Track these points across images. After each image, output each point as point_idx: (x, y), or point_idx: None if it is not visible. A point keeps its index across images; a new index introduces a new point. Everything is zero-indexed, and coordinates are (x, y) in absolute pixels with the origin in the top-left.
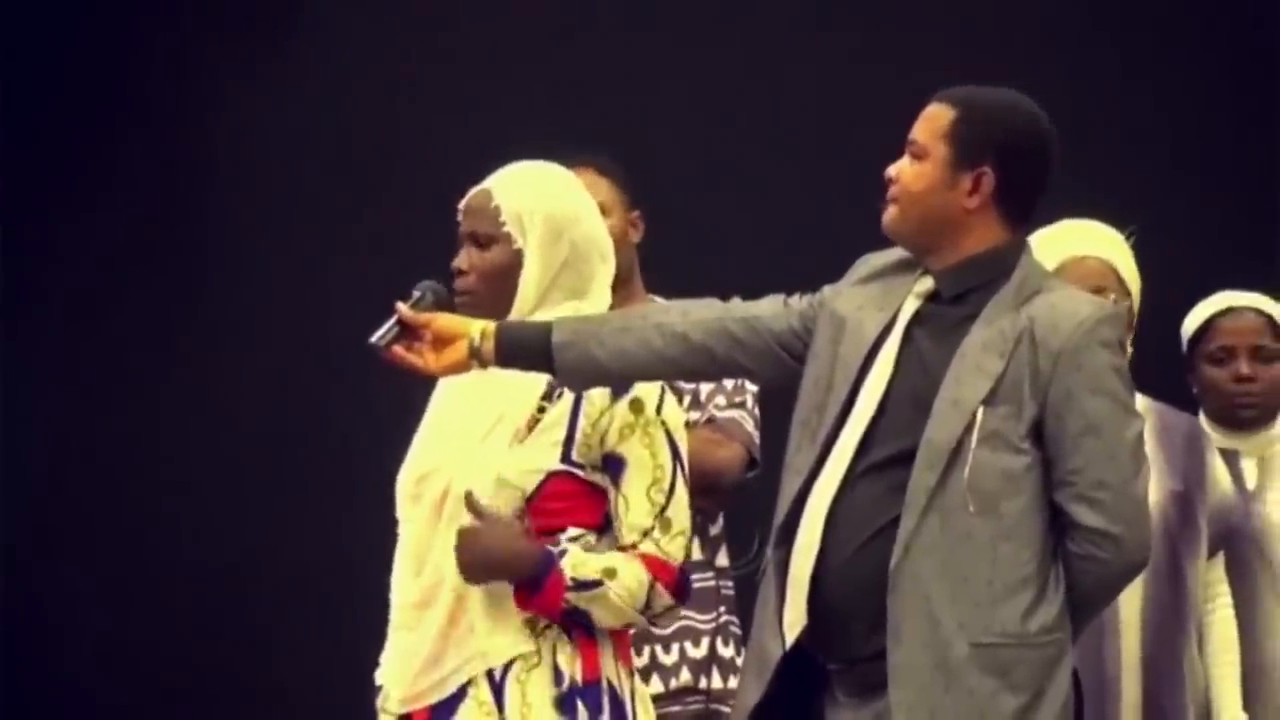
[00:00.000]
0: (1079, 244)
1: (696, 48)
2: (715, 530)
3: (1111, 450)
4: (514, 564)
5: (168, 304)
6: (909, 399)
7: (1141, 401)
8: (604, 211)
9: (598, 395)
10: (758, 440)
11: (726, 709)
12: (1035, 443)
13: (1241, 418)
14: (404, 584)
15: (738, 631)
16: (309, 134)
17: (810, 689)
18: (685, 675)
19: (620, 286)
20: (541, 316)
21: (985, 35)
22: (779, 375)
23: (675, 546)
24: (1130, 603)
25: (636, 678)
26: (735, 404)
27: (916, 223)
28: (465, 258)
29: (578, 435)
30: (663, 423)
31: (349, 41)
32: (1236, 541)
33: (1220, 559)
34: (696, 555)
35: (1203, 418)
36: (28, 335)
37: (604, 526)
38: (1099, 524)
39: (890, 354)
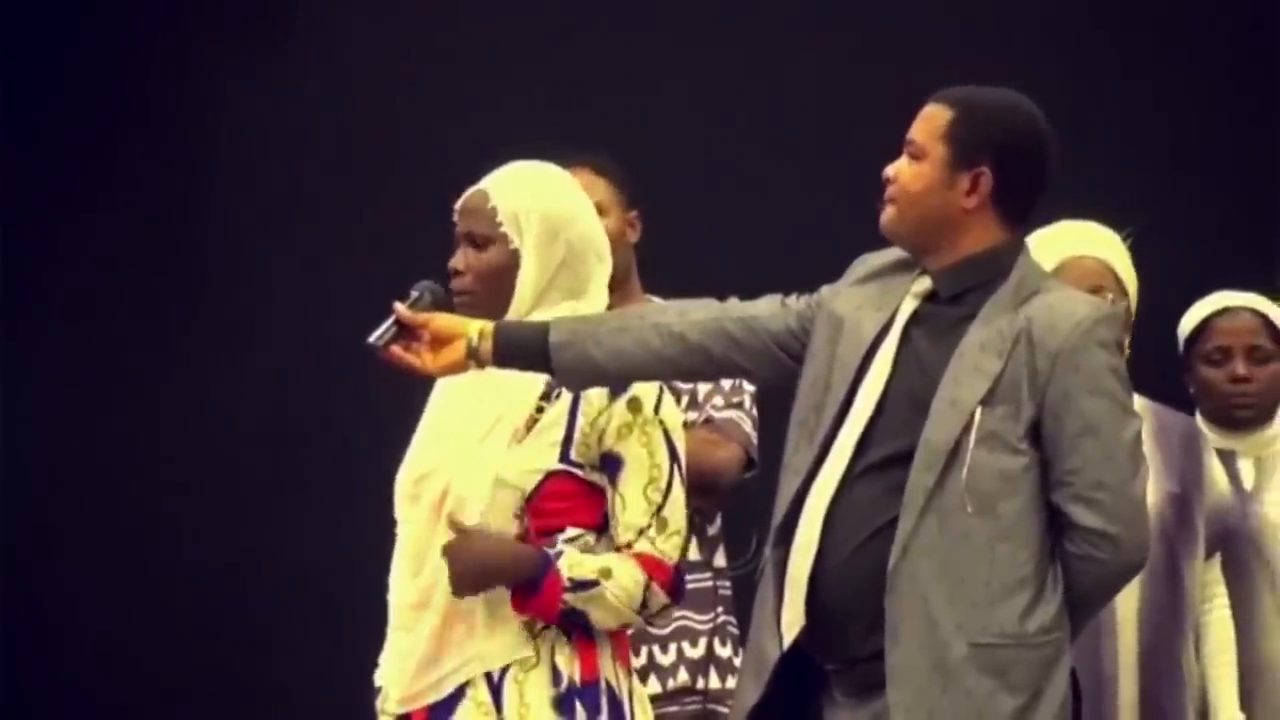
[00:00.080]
0: (1076, 244)
1: (696, 48)
2: (713, 530)
3: (1109, 451)
4: (510, 567)
5: (168, 304)
6: (907, 399)
7: (1139, 402)
8: (601, 211)
9: (596, 395)
10: (755, 440)
11: (724, 709)
12: (1033, 443)
13: (1238, 418)
14: (402, 584)
15: (735, 632)
16: (309, 134)
17: (808, 689)
18: (683, 675)
19: (618, 287)
20: (539, 316)
21: (985, 35)
22: (777, 375)
23: (671, 546)
24: (1127, 603)
25: (635, 678)
26: (733, 404)
27: (914, 223)
28: (462, 258)
29: (576, 435)
30: (660, 422)
31: (349, 41)
32: (1234, 542)
33: (1217, 559)
34: (694, 555)
35: (1199, 418)
36: (28, 335)
37: (603, 527)
38: (1097, 524)
39: (888, 354)
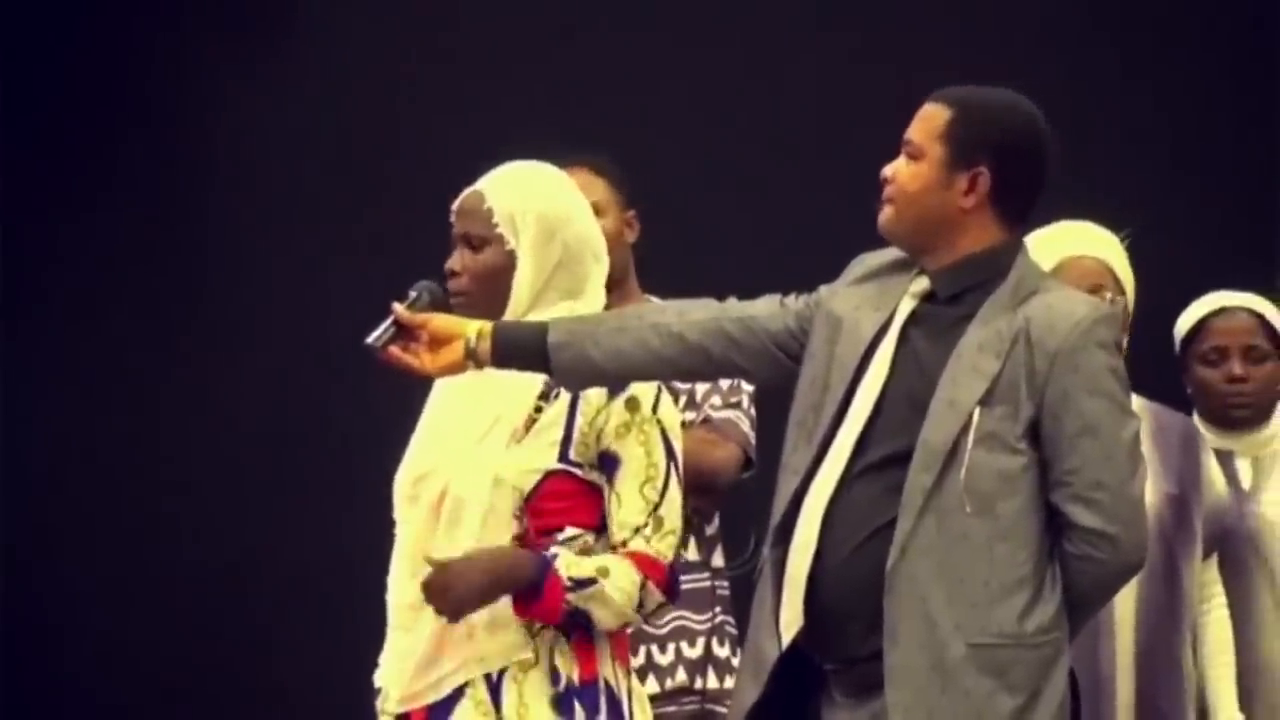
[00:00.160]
0: (1075, 244)
1: (696, 48)
2: (711, 530)
3: (1108, 451)
4: (510, 575)
5: (168, 304)
6: (905, 399)
7: (1137, 402)
8: (599, 211)
9: (594, 394)
10: (753, 440)
11: (722, 709)
12: (1032, 443)
13: (1234, 418)
14: (401, 585)
15: (733, 632)
16: (309, 134)
17: (807, 689)
18: (681, 675)
19: (616, 287)
20: (536, 317)
21: (985, 35)
22: (775, 375)
23: (666, 545)
24: (1126, 603)
25: (634, 677)
26: (731, 404)
27: (912, 223)
28: (458, 259)
29: (575, 434)
30: (658, 421)
31: (349, 41)
32: (1232, 542)
33: (1215, 560)
34: (692, 555)
35: (1196, 418)
36: (28, 335)
37: (601, 527)
38: (1096, 524)
39: (886, 354)
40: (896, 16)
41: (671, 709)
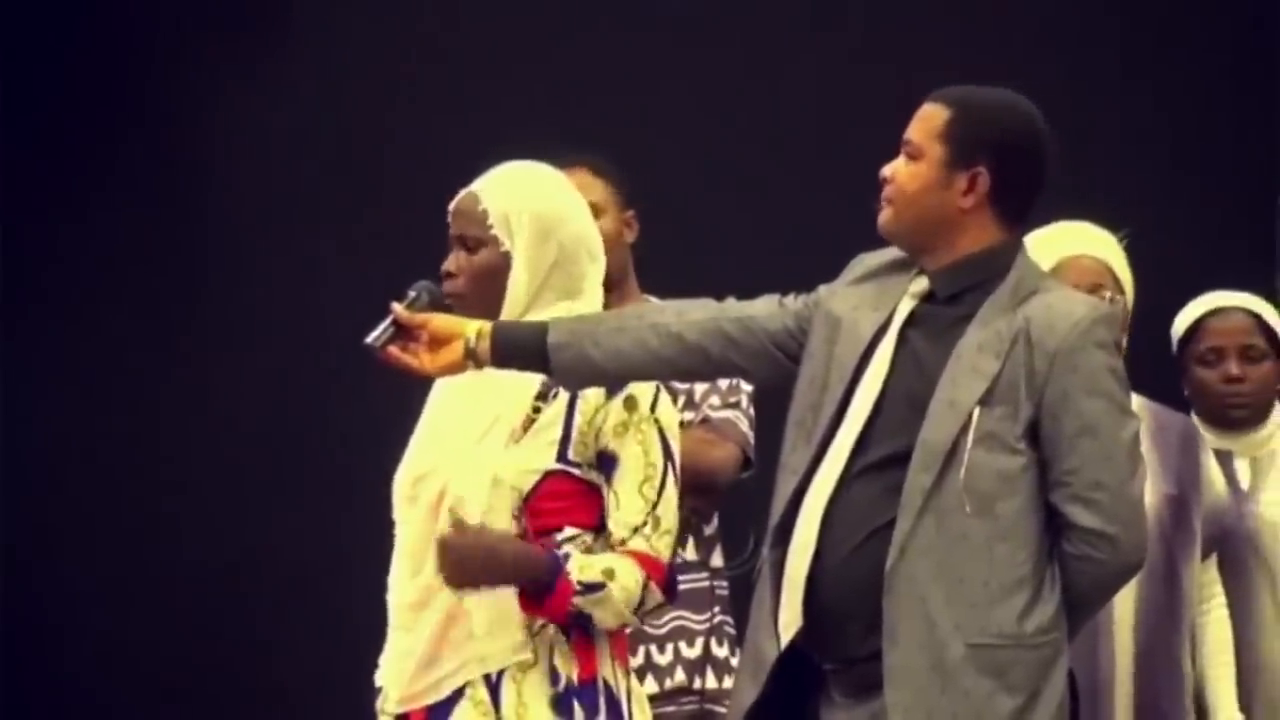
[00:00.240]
0: (1074, 244)
1: (696, 48)
2: (710, 530)
3: (1108, 451)
4: (510, 567)
5: (168, 304)
6: (904, 399)
7: (1137, 401)
8: (598, 212)
9: (593, 393)
10: (752, 440)
11: (721, 709)
12: (1031, 443)
13: (1232, 418)
14: (401, 585)
15: (732, 632)
16: (308, 134)
17: (806, 689)
18: (680, 675)
19: (615, 287)
20: (534, 317)
21: (985, 35)
22: (774, 375)
23: (664, 545)
24: (1125, 604)
25: (633, 677)
26: (730, 404)
27: (911, 223)
28: (454, 260)
29: (574, 434)
30: (656, 421)
31: (348, 41)
32: (1231, 542)
33: (1214, 560)
34: (691, 555)
35: (1194, 418)
36: (28, 335)
37: (600, 527)
38: (1095, 525)
39: (886, 354)
40: (896, 16)
41: (670, 709)
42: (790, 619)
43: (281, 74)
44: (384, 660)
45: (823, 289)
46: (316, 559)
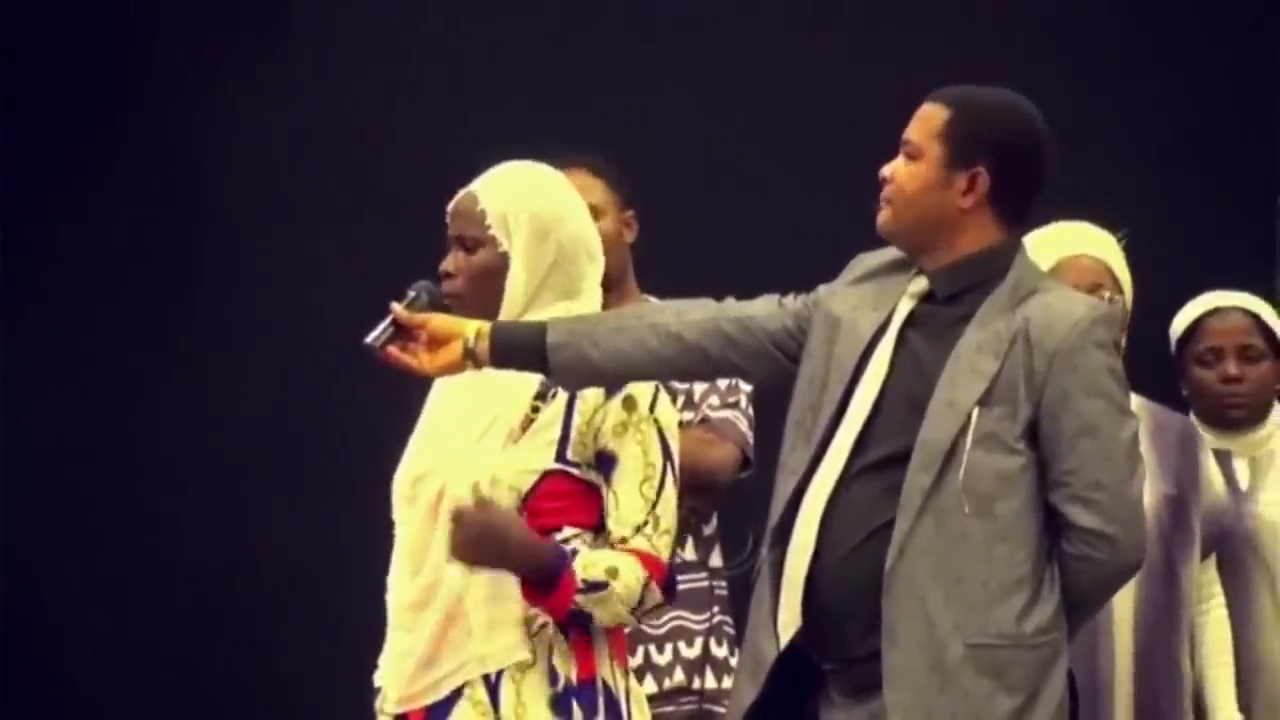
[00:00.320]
0: (1073, 243)
1: (696, 48)
2: (709, 530)
3: (1107, 451)
4: (517, 552)
5: (168, 304)
6: (904, 399)
7: (1136, 401)
8: (598, 212)
9: (591, 393)
10: (751, 440)
11: (720, 709)
12: (1030, 443)
13: (1231, 418)
14: (400, 585)
15: (731, 632)
16: (308, 134)
17: (805, 689)
18: (679, 675)
19: (614, 287)
20: (533, 317)
21: (985, 35)
22: (773, 375)
23: (663, 544)
24: (1124, 604)
25: (632, 677)
26: (729, 404)
27: (911, 223)
28: (453, 261)
29: (572, 434)
30: (655, 421)
31: (348, 41)
32: (1230, 542)
33: (1213, 560)
34: (690, 555)
35: (1193, 418)
36: (28, 335)
37: (600, 527)
38: (1094, 525)
39: (885, 354)
40: (896, 16)
41: (669, 709)
42: (789, 619)
43: (281, 74)
44: (383, 660)
45: (822, 289)
46: (316, 559)
